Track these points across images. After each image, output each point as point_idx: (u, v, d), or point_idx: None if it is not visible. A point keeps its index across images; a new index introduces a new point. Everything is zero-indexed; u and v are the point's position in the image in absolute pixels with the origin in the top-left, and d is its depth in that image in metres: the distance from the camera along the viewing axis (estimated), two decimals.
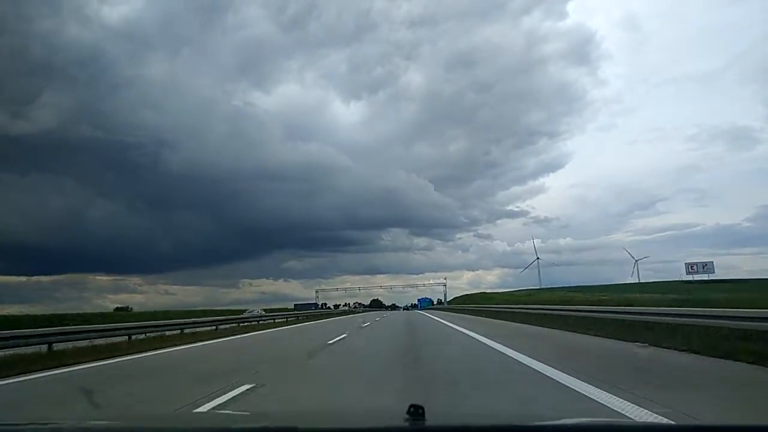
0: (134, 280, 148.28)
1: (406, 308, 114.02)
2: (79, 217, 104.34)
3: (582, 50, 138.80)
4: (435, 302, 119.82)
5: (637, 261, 59.90)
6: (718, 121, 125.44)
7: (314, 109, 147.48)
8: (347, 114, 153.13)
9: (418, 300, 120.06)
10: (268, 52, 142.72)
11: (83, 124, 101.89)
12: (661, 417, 3.92)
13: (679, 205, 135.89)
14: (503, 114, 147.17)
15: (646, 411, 4.12)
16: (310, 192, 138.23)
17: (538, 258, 74.60)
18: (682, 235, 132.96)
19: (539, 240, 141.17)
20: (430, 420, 1.43)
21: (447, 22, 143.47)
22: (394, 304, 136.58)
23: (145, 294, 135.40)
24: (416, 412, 1.42)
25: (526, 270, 73.64)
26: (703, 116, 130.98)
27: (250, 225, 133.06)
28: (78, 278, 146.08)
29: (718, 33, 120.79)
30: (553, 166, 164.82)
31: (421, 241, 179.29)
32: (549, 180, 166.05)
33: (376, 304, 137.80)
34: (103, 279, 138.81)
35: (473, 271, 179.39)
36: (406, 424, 1.40)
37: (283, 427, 1.70)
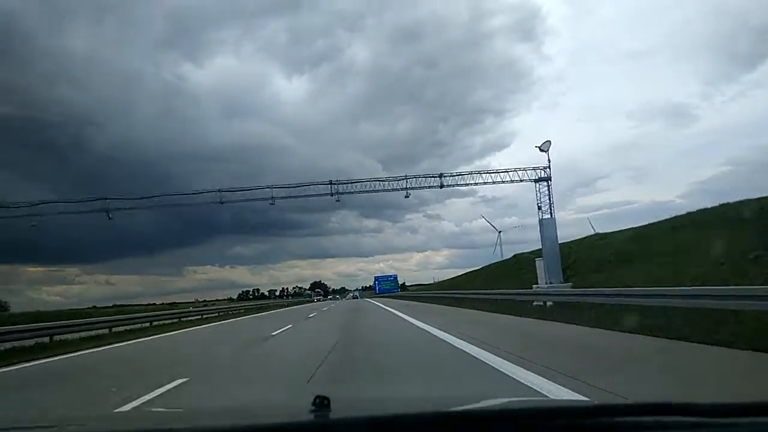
0: (72, 271, 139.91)
1: (354, 296, 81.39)
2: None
3: (528, 25, 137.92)
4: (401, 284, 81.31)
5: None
6: (656, 99, 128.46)
7: (253, 84, 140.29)
8: (289, 90, 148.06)
9: (376, 280, 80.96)
10: (200, 22, 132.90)
11: None
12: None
13: (618, 182, 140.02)
14: (450, 91, 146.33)
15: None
16: (251, 173, 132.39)
17: (500, 232, 73.85)
18: (619, 212, 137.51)
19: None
20: (336, 412, 1.36)
21: None
22: (343, 288, 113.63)
23: (83, 285, 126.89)
24: (321, 403, 1.34)
25: (496, 248, 71.37)
26: (641, 94, 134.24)
27: (190, 209, 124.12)
28: (5, 269, 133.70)
29: (656, 9, 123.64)
30: (499, 145, 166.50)
31: (371, 223, 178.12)
32: (495, 159, 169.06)
33: (318, 289, 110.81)
34: (35, 270, 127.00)
35: (422, 252, 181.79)
36: (311, 416, 1.32)
37: (183, 429, 1.61)
